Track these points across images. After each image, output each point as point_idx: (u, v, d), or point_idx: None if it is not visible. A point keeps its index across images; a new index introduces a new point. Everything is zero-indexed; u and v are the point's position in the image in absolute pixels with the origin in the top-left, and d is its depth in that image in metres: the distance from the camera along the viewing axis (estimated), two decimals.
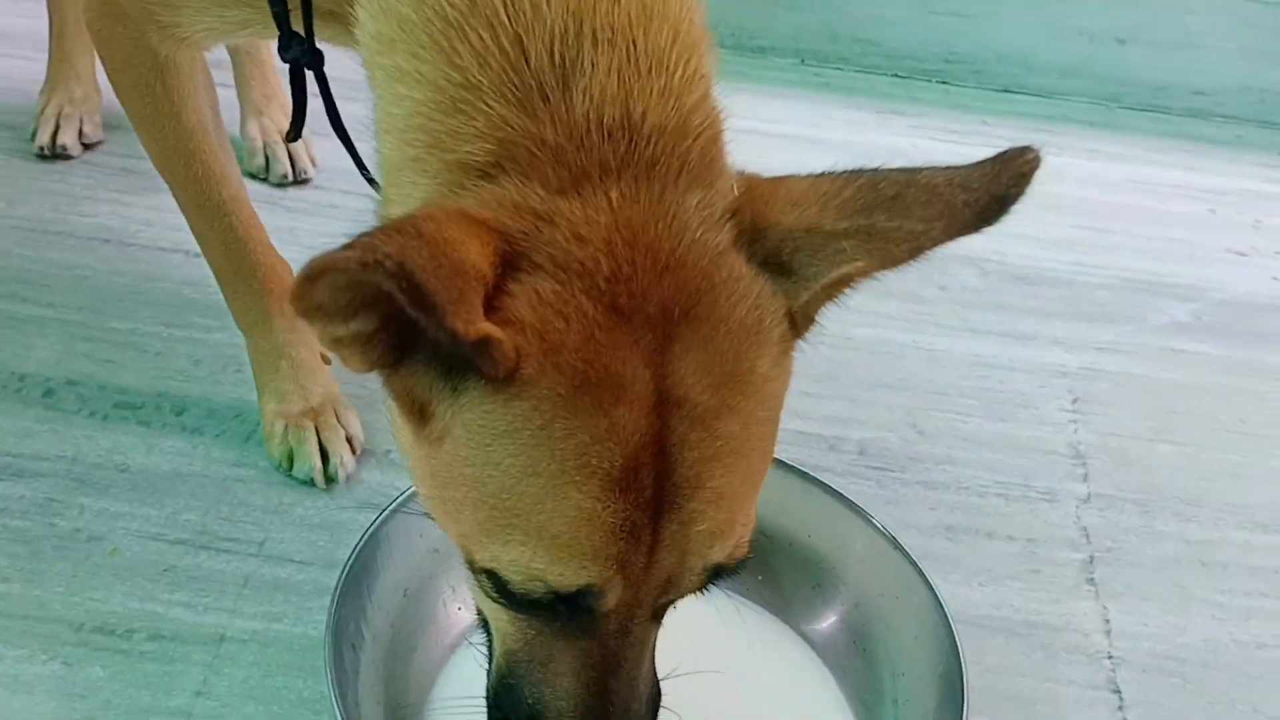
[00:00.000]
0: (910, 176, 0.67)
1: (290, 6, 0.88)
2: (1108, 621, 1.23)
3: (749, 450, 0.70)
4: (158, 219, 1.61)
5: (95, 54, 1.38)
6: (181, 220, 1.24)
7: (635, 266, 0.65)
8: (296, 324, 1.26)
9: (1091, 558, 1.30)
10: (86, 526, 1.19)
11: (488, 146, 0.67)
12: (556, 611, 0.71)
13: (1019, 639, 1.20)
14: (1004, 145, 0.68)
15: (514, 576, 0.70)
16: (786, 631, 1.11)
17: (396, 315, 0.61)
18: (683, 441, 0.66)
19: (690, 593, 0.74)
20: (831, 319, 1.66)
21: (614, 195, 0.66)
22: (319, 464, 1.27)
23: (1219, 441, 1.50)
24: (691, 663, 0.94)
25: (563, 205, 0.65)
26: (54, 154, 1.69)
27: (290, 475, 1.27)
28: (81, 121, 1.72)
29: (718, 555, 0.71)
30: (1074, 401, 1.52)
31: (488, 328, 0.61)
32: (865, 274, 0.71)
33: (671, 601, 0.76)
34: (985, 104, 2.18)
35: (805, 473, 1.14)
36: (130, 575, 1.15)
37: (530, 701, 0.77)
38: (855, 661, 1.09)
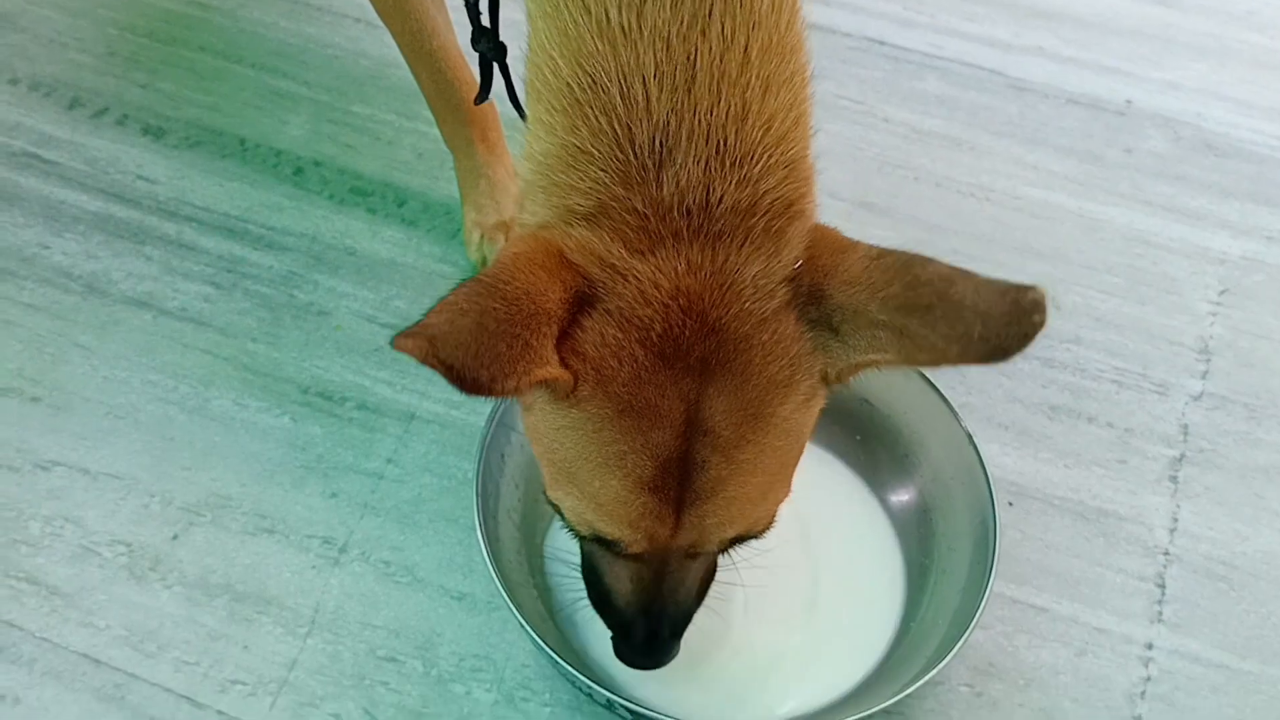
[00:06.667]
0: (946, 288, 0.74)
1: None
2: (1175, 520, 1.35)
3: (763, 470, 0.86)
4: None
5: None
6: None
7: (685, 328, 0.79)
8: (495, 149, 1.45)
9: (1182, 455, 1.40)
10: (318, 301, 1.46)
11: (590, 202, 0.82)
12: (602, 542, 0.92)
13: (1085, 523, 1.34)
14: None
15: (568, 516, 0.92)
16: (868, 495, 1.30)
17: None
18: (704, 462, 0.83)
19: (715, 552, 0.94)
20: (1005, 175, 1.71)
21: (681, 264, 0.80)
22: None
23: None
24: None
25: (637, 266, 0.80)
26: None
27: None
28: None
29: (731, 533, 0.90)
30: (1221, 292, 1.57)
31: (541, 373, 0.77)
32: (890, 364, 0.81)
33: (700, 554, 0.93)
34: None
35: None
36: (348, 350, 1.42)
37: (606, 586, 0.99)
38: (922, 530, 1.26)
